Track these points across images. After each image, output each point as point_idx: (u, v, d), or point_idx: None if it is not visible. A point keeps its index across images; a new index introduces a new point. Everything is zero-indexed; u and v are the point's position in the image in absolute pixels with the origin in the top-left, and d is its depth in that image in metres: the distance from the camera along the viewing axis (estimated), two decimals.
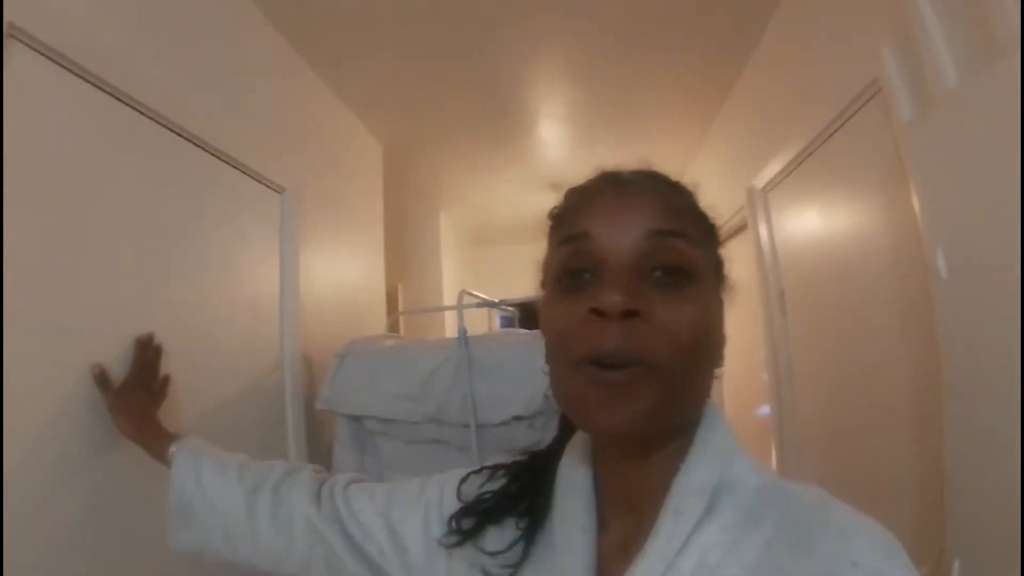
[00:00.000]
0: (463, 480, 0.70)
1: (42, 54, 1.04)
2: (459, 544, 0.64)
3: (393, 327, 2.63)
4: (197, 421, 1.33)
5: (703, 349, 0.51)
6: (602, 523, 0.56)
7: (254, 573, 0.83)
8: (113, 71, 1.18)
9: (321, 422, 1.98)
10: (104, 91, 1.17)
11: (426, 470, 0.79)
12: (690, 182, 0.60)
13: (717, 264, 0.58)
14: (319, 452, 1.95)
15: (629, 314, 0.48)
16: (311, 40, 2.07)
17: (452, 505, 0.68)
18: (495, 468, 0.70)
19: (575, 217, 0.56)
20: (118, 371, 1.11)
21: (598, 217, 0.53)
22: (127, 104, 1.23)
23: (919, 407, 1.38)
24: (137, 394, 1.10)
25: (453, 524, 0.65)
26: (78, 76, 1.11)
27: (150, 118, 1.30)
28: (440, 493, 0.71)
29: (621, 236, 0.51)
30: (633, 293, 0.48)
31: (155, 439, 0.96)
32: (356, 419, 1.81)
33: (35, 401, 0.97)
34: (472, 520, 0.64)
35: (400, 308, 3.91)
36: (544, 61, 2.40)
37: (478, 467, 0.72)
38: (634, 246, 0.51)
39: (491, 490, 0.67)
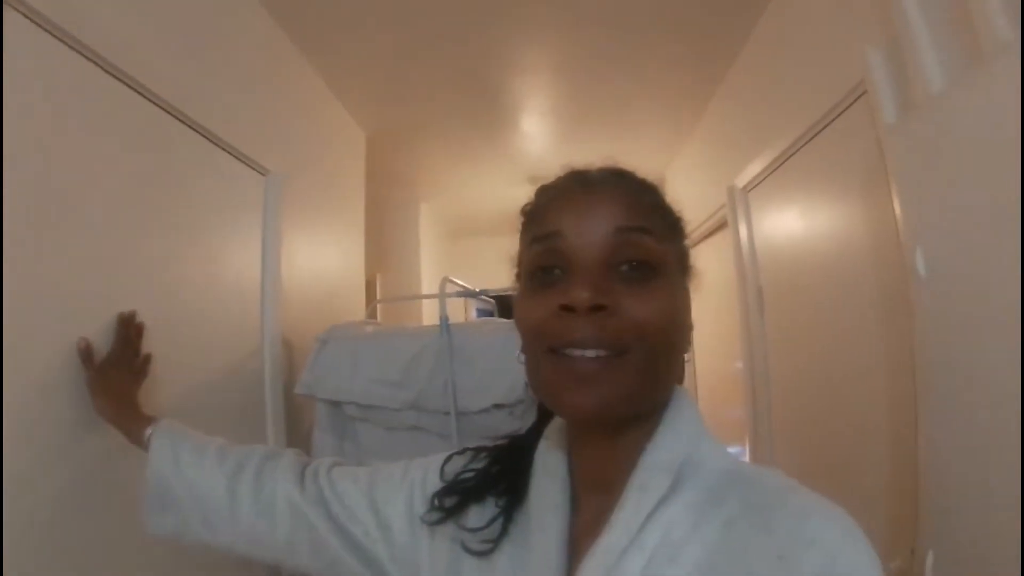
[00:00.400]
0: (446, 461, 0.73)
1: (37, 24, 1.01)
2: (441, 521, 0.65)
3: (372, 316, 2.62)
4: (176, 401, 1.30)
5: (670, 337, 0.54)
6: (576, 503, 0.59)
7: (233, 556, 0.82)
8: (105, 45, 1.15)
9: (300, 407, 1.96)
10: (96, 64, 1.15)
11: (405, 457, 0.79)
12: (656, 177, 0.63)
13: (682, 256, 0.61)
14: (298, 437, 1.94)
15: (597, 308, 0.51)
16: (301, 25, 2.05)
17: (435, 485, 0.69)
18: (477, 450, 0.72)
19: (546, 215, 0.58)
20: (100, 350, 1.09)
21: (567, 216, 0.56)
22: (117, 78, 1.20)
23: (894, 405, 1.41)
24: (118, 372, 1.08)
25: (436, 502, 0.67)
26: (69, 47, 1.08)
27: (139, 93, 1.27)
28: (424, 474, 0.72)
29: (590, 234, 0.54)
30: (602, 289, 0.51)
31: (133, 421, 0.95)
32: (336, 404, 1.80)
33: (15, 380, 0.94)
34: (454, 498, 0.66)
35: (378, 298, 3.89)
36: (530, 54, 2.40)
37: (461, 449, 0.74)
38: (602, 243, 0.54)
39: (473, 469, 0.69)
